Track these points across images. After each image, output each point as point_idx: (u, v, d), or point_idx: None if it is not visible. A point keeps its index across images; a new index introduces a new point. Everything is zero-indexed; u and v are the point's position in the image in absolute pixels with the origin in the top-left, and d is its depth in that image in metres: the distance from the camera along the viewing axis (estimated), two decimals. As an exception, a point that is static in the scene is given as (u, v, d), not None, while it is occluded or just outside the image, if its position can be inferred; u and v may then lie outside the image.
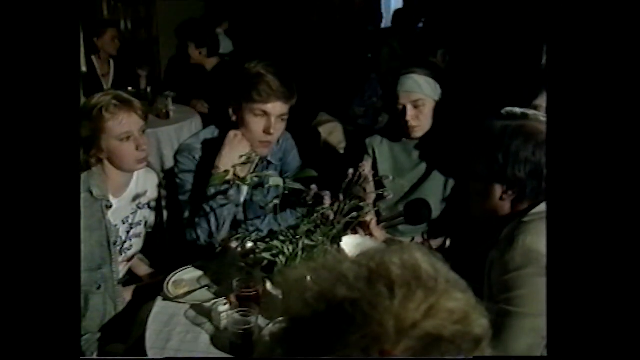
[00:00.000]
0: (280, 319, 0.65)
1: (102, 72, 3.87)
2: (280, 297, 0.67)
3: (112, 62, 3.94)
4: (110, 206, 1.70)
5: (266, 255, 1.42)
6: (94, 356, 1.67)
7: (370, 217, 1.69)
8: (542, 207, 1.24)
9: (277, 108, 1.74)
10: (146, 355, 1.33)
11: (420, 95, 1.83)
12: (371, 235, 1.70)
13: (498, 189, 1.29)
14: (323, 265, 0.63)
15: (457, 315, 0.58)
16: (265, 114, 1.74)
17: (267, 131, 1.75)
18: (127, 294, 1.80)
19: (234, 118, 1.79)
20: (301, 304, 0.60)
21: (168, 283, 1.58)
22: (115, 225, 1.73)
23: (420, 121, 1.85)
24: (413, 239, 1.92)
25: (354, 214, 1.46)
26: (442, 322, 0.57)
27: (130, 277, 1.92)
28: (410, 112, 1.83)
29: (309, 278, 0.62)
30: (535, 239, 1.17)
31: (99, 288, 1.68)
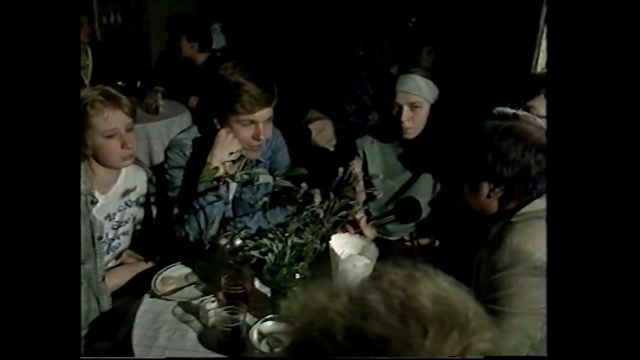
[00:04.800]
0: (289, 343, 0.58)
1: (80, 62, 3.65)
2: (291, 322, 0.61)
3: (89, 51, 3.78)
4: (96, 202, 1.68)
5: (255, 252, 1.41)
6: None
7: (360, 216, 1.68)
8: (530, 207, 1.24)
9: (263, 114, 1.73)
10: (132, 353, 1.32)
11: (419, 97, 1.79)
12: (361, 233, 1.69)
13: (485, 187, 1.29)
14: (345, 292, 0.58)
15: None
16: (253, 122, 1.73)
17: (256, 137, 1.75)
18: (113, 279, 1.77)
19: (218, 127, 1.77)
20: (325, 339, 0.54)
21: (156, 280, 1.57)
22: (100, 222, 1.71)
23: (415, 123, 1.81)
24: (402, 238, 1.92)
25: (344, 212, 1.46)
26: None
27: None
28: (406, 113, 1.80)
29: (329, 305, 0.57)
30: (523, 239, 1.18)
31: (82, 285, 1.65)
